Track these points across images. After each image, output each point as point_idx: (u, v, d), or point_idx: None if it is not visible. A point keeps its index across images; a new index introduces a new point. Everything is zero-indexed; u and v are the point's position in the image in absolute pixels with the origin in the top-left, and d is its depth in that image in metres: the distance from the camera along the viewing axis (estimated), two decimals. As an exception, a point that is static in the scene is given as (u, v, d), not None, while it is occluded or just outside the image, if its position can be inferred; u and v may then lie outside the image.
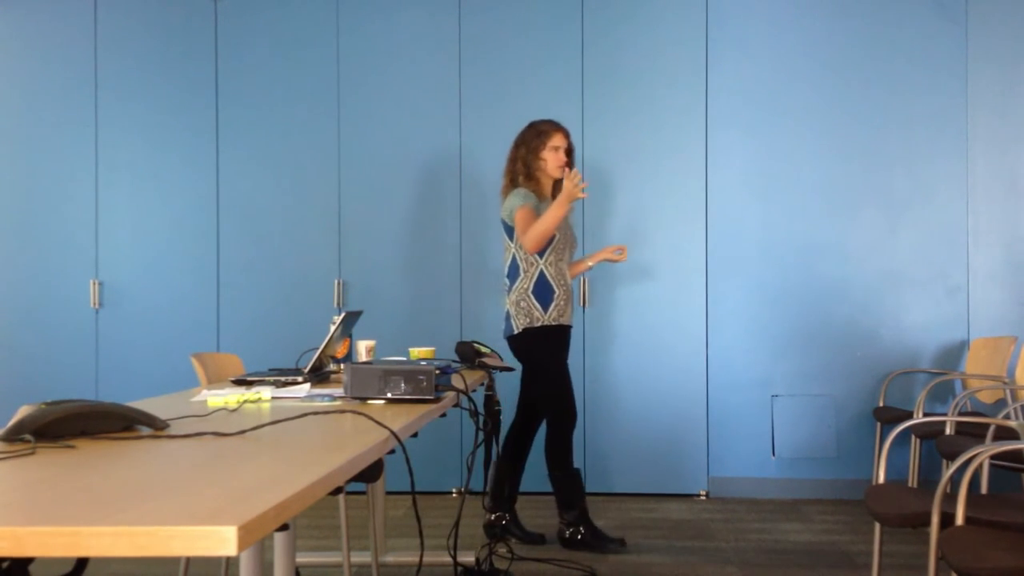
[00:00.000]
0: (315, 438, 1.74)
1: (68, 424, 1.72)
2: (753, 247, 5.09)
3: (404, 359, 3.06)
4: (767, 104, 5.09)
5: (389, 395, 2.33)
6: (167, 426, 1.85)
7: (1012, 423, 3.01)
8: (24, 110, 5.35)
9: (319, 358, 3.05)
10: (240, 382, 2.84)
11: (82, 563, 1.50)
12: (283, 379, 2.78)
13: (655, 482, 5.06)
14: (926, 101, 5.05)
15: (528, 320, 4.00)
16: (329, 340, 3.08)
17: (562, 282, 4.04)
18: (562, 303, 4.02)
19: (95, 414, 1.76)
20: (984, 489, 3.09)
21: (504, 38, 5.17)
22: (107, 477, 1.36)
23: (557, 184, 4.10)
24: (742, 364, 5.07)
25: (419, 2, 5.20)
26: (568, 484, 4.04)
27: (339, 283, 5.19)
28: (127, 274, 5.28)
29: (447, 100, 5.17)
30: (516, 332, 4.02)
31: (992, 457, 3.06)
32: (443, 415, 2.58)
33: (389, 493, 4.53)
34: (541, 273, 4.01)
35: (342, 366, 3.02)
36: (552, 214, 3.87)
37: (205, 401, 2.31)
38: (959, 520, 2.30)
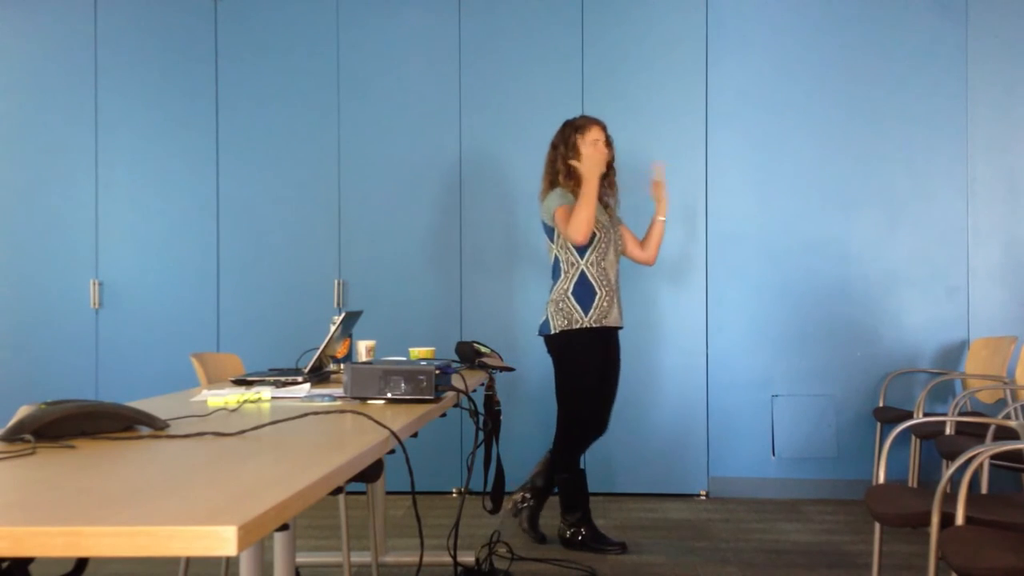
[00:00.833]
0: (315, 438, 1.74)
1: (68, 424, 1.72)
2: (753, 247, 5.09)
3: (404, 359, 3.06)
4: (767, 104, 5.09)
5: (389, 395, 2.33)
6: (167, 426, 1.85)
7: (1012, 423, 3.01)
8: (24, 110, 5.35)
9: (319, 358, 3.05)
10: (240, 382, 2.84)
11: (82, 563, 1.50)
12: (283, 379, 2.78)
13: (655, 482, 5.06)
14: (926, 101, 5.05)
15: (567, 322, 3.93)
16: (329, 340, 3.08)
17: (605, 282, 3.95)
18: (605, 304, 3.94)
19: (95, 414, 1.76)
20: (984, 489, 3.09)
21: (504, 38, 5.17)
22: (107, 477, 1.36)
23: (601, 180, 4.03)
24: (742, 364, 5.07)
25: (419, 2, 5.20)
26: (573, 486, 4.04)
27: (339, 283, 5.19)
28: (127, 274, 5.28)
29: (447, 100, 5.17)
30: (553, 332, 3.96)
31: (992, 457, 3.06)
32: (443, 415, 2.58)
33: (389, 493, 4.53)
34: (582, 274, 3.94)
35: (342, 366, 3.02)
36: (584, 192, 3.81)
37: (205, 401, 2.31)
38: (959, 520, 2.30)
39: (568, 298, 3.93)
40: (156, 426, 1.82)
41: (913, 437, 4.44)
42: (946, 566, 2.15)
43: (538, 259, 5.07)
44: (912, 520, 2.50)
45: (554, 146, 4.08)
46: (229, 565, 3.14)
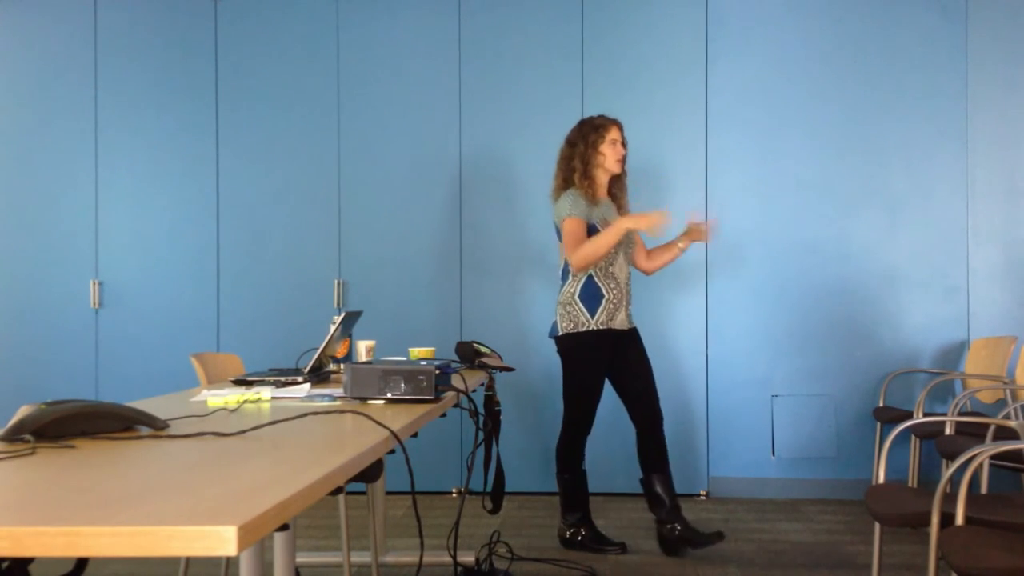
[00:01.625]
0: (315, 438, 1.74)
1: (68, 424, 1.72)
2: (753, 247, 5.08)
3: (404, 359, 3.06)
4: (767, 104, 5.09)
5: (389, 395, 2.33)
6: (167, 426, 1.85)
7: (1012, 423, 3.01)
8: (24, 110, 5.35)
9: (319, 358, 3.05)
10: (240, 382, 2.84)
11: (82, 563, 1.50)
12: (283, 379, 2.78)
13: (655, 482, 5.05)
14: (926, 101, 5.05)
15: (572, 325, 3.92)
16: (329, 340, 3.08)
17: (612, 285, 3.94)
18: (612, 306, 3.92)
19: (95, 414, 1.76)
20: (984, 489, 3.09)
21: (504, 38, 5.16)
22: (107, 477, 1.36)
23: (613, 180, 4.03)
24: (742, 364, 5.07)
25: (419, 2, 5.20)
26: (575, 486, 4.04)
27: (339, 283, 5.19)
28: (127, 274, 5.28)
29: (447, 100, 5.17)
30: (559, 335, 3.97)
31: (992, 457, 3.06)
32: (443, 415, 2.58)
33: (389, 493, 4.53)
34: (589, 277, 3.92)
35: (342, 366, 3.02)
36: (606, 240, 3.80)
37: (205, 401, 2.31)
38: (959, 520, 2.30)
39: (575, 301, 3.92)
40: (156, 426, 1.82)
41: (913, 437, 4.44)
42: (946, 566, 2.15)
43: (538, 258, 5.07)
44: (912, 520, 2.50)
45: (571, 143, 4.01)
46: (229, 565, 3.15)
